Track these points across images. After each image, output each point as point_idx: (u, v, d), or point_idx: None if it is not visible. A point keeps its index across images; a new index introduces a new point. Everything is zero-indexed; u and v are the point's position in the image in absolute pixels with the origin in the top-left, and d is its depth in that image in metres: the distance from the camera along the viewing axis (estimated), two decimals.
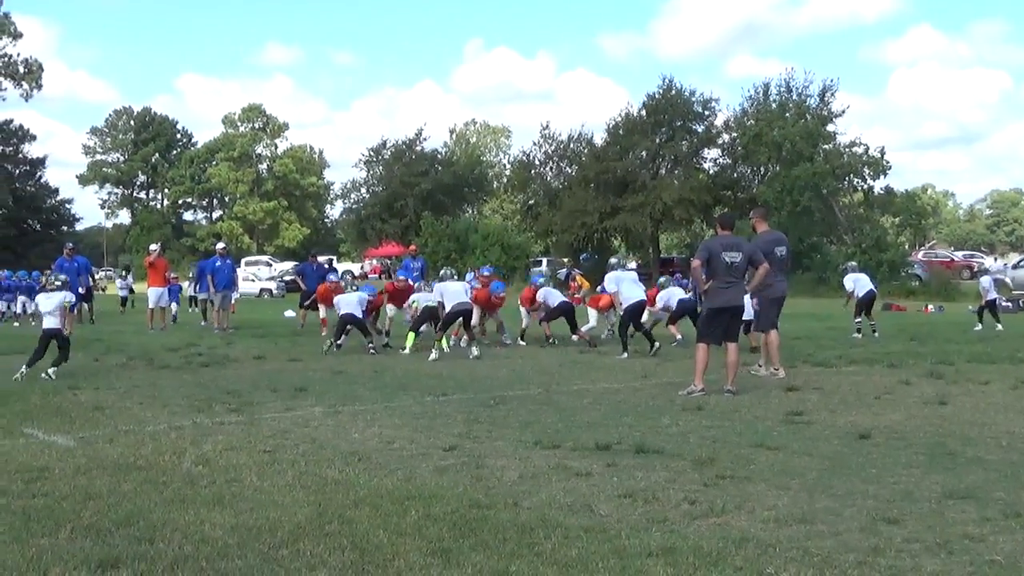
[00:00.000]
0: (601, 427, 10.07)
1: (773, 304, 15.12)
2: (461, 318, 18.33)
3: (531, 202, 75.66)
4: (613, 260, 20.00)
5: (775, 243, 15.12)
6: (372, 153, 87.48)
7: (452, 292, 18.38)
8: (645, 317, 19.33)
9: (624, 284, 18.60)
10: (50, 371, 14.89)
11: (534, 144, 75.48)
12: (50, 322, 15.38)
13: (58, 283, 16.19)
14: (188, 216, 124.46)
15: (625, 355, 17.81)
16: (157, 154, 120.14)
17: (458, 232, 66.67)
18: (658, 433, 9.73)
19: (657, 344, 18.42)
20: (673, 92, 66.83)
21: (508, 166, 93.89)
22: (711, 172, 69.87)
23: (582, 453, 8.62)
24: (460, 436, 9.59)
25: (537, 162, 74.29)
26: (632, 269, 20.21)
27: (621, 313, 18.81)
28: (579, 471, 7.86)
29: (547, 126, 74.53)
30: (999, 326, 25.19)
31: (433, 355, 17.45)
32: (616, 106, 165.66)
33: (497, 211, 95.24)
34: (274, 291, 60.43)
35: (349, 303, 18.88)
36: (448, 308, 18.14)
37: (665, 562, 5.48)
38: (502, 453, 8.70)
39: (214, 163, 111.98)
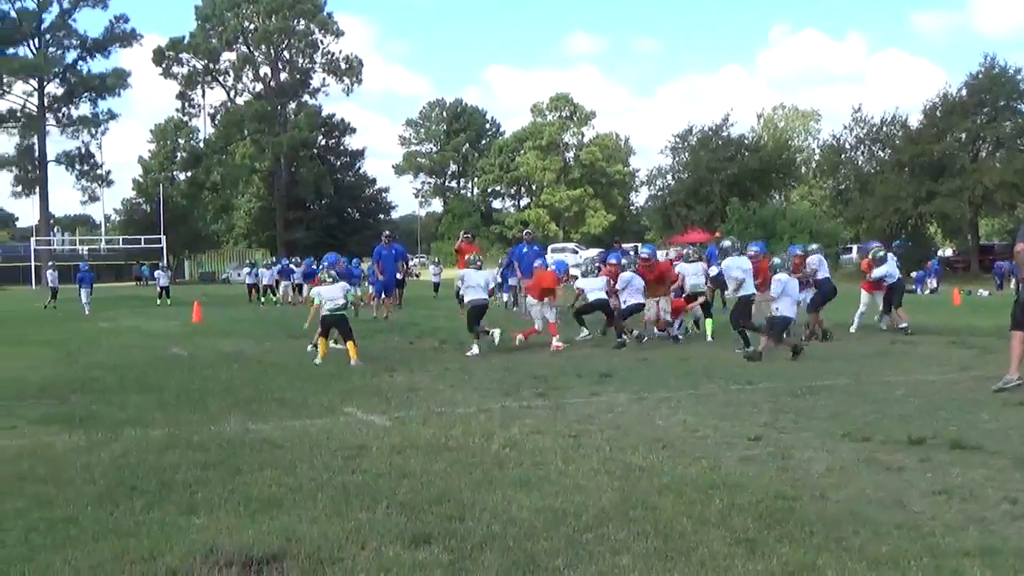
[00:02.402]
0: (914, 420, 9.69)
1: None
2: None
3: (841, 187, 73.69)
4: (624, 260, 19.17)
5: None
6: (678, 139, 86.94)
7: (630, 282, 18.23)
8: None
9: (629, 289, 18.14)
10: (495, 333, 17.73)
11: (844, 128, 73.66)
12: (475, 294, 17.87)
13: (478, 264, 18.67)
14: (497, 204, 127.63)
15: (590, 340, 18.16)
16: (467, 144, 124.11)
17: (765, 219, 65.40)
18: (976, 428, 9.27)
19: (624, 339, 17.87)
20: (996, 71, 63.50)
21: (817, 151, 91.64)
22: None
23: (894, 447, 8.33)
24: (766, 426, 9.46)
25: (848, 146, 72.34)
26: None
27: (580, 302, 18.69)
28: (890, 465, 7.61)
29: (859, 109, 72.38)
30: None
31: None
32: (932, 87, 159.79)
33: (806, 197, 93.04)
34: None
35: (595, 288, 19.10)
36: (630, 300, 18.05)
37: (983, 563, 5.24)
38: (809, 444, 8.52)
39: (522, 152, 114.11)
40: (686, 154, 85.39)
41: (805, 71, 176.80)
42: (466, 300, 18.06)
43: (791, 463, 7.76)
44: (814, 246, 20.86)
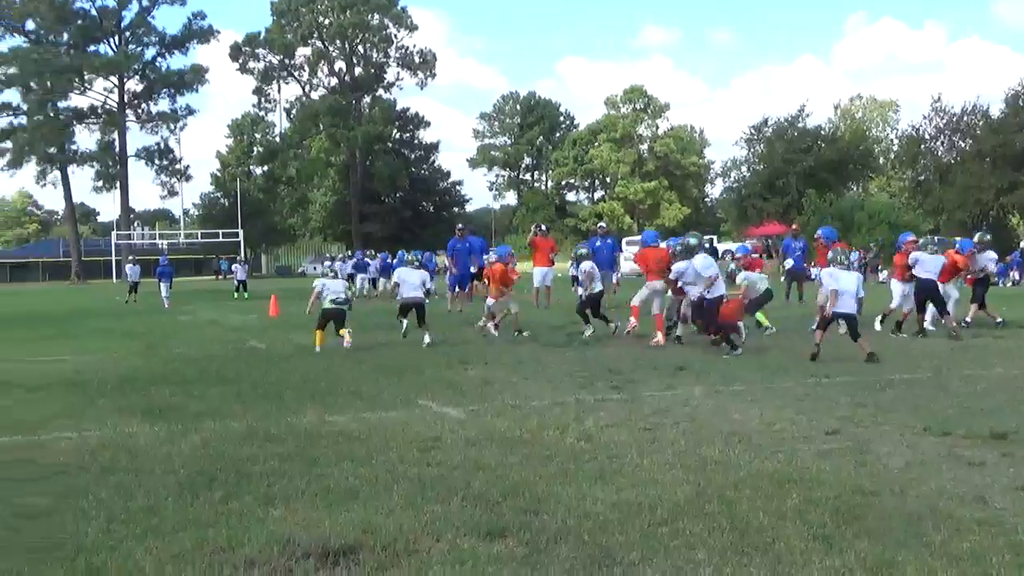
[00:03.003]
0: (997, 414, 9.54)
1: None
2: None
3: (920, 178, 72.71)
4: (679, 248, 17.69)
5: None
6: (753, 131, 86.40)
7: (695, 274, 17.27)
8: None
9: (685, 280, 16.95)
10: (425, 336, 17.13)
11: (924, 118, 72.65)
12: (410, 291, 17.90)
13: (415, 263, 18.56)
14: (571, 197, 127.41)
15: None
16: (541, 137, 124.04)
17: (843, 210, 64.54)
18: None
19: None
20: None
21: (895, 141, 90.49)
22: None
23: (975, 441, 8.20)
24: (844, 420, 9.35)
25: (927, 136, 71.31)
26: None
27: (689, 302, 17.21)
28: (972, 460, 7.49)
29: (938, 99, 71.46)
30: None
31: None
32: (1015, 75, 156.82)
33: (884, 188, 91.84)
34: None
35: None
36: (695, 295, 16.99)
37: None
38: (888, 439, 8.41)
39: (596, 144, 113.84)
40: (761, 146, 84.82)
41: (882, 61, 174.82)
42: (401, 297, 18.23)
43: (869, 457, 7.66)
44: (921, 240, 20.05)
